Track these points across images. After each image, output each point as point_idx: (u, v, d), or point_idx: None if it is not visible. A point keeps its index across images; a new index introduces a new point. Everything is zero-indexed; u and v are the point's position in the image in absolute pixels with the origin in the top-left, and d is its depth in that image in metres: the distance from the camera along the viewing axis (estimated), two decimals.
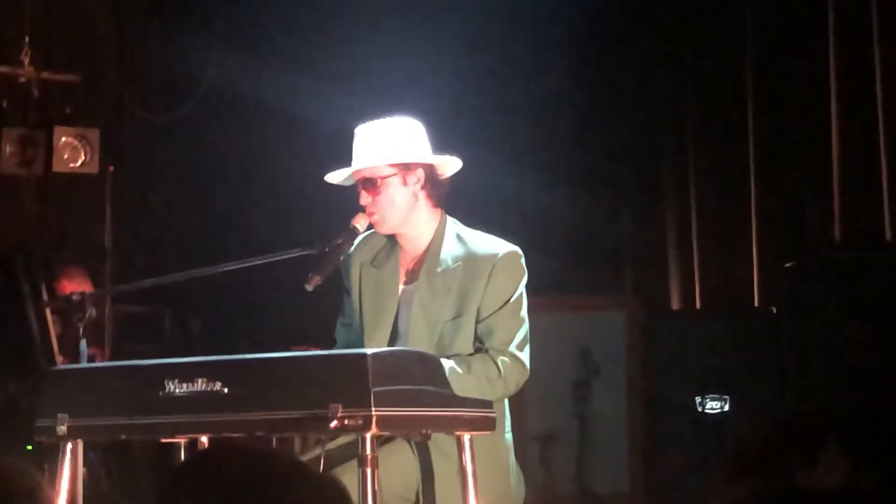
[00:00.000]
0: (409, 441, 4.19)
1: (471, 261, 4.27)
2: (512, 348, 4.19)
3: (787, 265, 6.20)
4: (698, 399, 6.29)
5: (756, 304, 7.16)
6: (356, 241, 4.42)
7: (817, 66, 6.99)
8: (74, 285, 7.87)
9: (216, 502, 1.73)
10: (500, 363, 4.15)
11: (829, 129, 6.91)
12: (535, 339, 4.28)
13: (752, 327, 6.51)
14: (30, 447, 7.16)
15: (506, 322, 4.22)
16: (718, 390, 6.27)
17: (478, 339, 4.23)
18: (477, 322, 4.23)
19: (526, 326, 4.26)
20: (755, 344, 6.38)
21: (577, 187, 7.82)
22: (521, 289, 4.28)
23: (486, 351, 4.19)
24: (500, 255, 4.26)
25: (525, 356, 4.21)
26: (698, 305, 7.50)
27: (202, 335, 8.43)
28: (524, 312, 4.27)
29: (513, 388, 4.22)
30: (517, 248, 4.32)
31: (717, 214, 7.57)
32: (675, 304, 7.64)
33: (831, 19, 6.91)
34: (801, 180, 7.17)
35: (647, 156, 7.92)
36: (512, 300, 4.24)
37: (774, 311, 6.36)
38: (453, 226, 4.37)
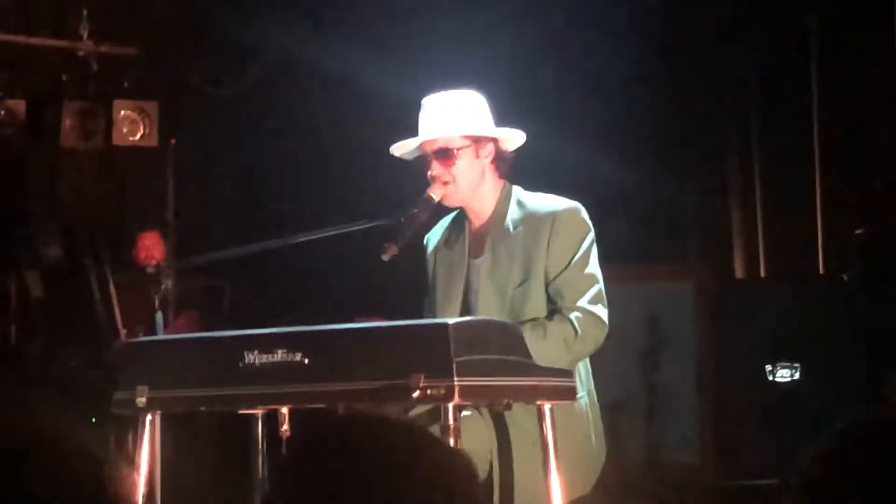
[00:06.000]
0: (479, 412, 4.17)
1: (531, 223, 4.23)
2: (584, 304, 4.09)
3: (858, 232, 6.14)
4: (769, 367, 6.24)
5: (821, 272, 7.11)
6: (435, 230, 4.43)
7: (883, 30, 6.92)
8: (148, 251, 7.90)
9: (344, 473, 1.71)
10: (575, 321, 4.07)
11: (895, 95, 6.84)
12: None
13: (822, 295, 6.45)
14: (94, 419, 7.21)
15: (574, 279, 4.13)
16: (789, 358, 6.21)
17: (550, 301, 4.17)
18: (547, 285, 4.18)
19: (599, 283, 4.15)
20: (825, 311, 6.32)
21: (641, 156, 7.77)
22: (587, 244, 4.18)
23: (560, 311, 4.12)
24: (558, 214, 4.20)
25: (601, 311, 4.10)
26: (763, 273, 7.45)
27: (264, 307, 8.44)
28: (592, 269, 4.17)
29: (592, 346, 4.11)
30: (576, 204, 4.22)
31: (780, 182, 7.52)
32: (739, 273, 7.60)
33: None
34: (865, 147, 7.10)
35: (711, 124, 7.86)
36: (577, 257, 4.15)
37: (845, 278, 6.30)
38: (515, 193, 4.34)
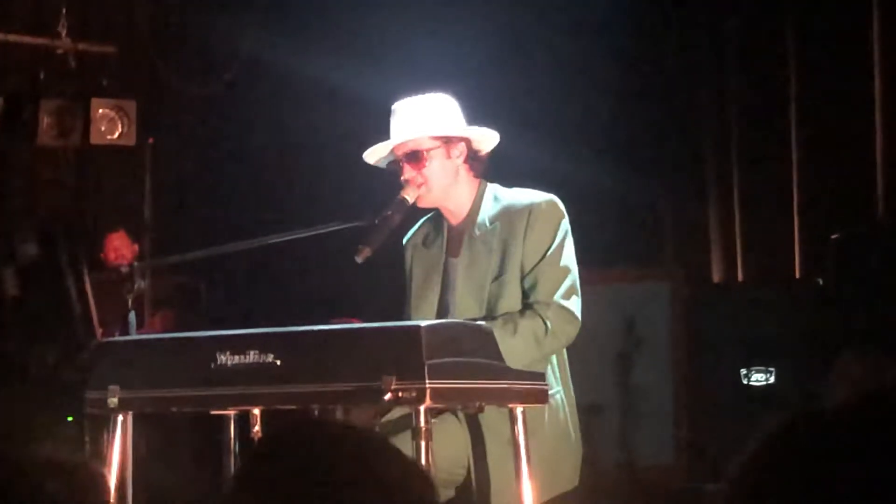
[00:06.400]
0: (456, 416, 4.17)
1: (506, 217, 4.24)
2: (557, 298, 4.11)
3: (834, 237, 6.15)
4: (743, 371, 6.26)
5: (797, 276, 7.12)
6: (412, 228, 4.42)
7: (860, 35, 6.93)
8: (117, 251, 7.90)
9: (298, 478, 1.71)
10: (546, 318, 4.07)
11: (873, 100, 6.86)
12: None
13: (798, 299, 6.46)
14: (70, 418, 7.19)
15: (549, 272, 4.15)
16: (764, 362, 6.23)
17: (524, 294, 4.18)
18: (522, 278, 4.19)
19: (573, 275, 4.17)
20: (801, 316, 6.33)
21: (618, 159, 7.77)
22: (562, 235, 4.19)
23: (532, 306, 4.13)
24: (534, 206, 4.21)
25: (573, 305, 4.12)
26: (740, 277, 7.46)
27: (237, 307, 8.44)
28: (567, 261, 4.19)
29: (563, 341, 4.14)
30: (553, 197, 4.25)
31: (758, 186, 7.52)
32: (717, 276, 7.61)
33: None
34: (843, 151, 7.11)
35: (688, 126, 7.86)
36: (552, 249, 4.17)
37: (820, 282, 6.31)
38: (491, 190, 4.34)
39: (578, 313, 4.14)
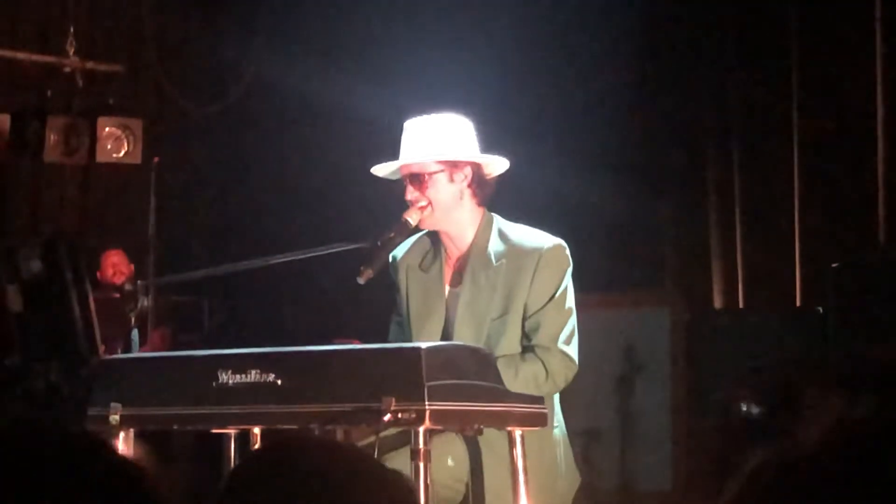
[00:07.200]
0: (456, 433, 4.19)
1: (514, 257, 4.25)
2: (559, 344, 4.14)
3: (834, 265, 6.17)
4: (742, 398, 6.27)
5: (798, 304, 7.13)
6: (405, 244, 4.42)
7: (863, 63, 6.96)
8: (116, 268, 7.92)
9: (283, 493, 1.73)
10: (547, 362, 4.12)
11: (875, 127, 6.89)
12: (580, 335, 4.25)
13: (798, 327, 6.48)
14: None
15: (552, 316, 4.18)
16: (763, 390, 6.24)
17: (525, 335, 4.21)
18: (524, 319, 4.22)
19: (573, 319, 4.21)
20: (801, 344, 6.35)
21: (620, 184, 7.79)
22: (567, 281, 4.24)
23: (533, 349, 4.17)
24: (544, 250, 4.23)
25: (572, 350, 4.17)
26: (741, 304, 7.47)
27: (241, 326, 8.45)
28: (570, 304, 4.23)
29: (561, 384, 4.19)
30: (561, 241, 4.27)
31: (760, 213, 7.54)
32: (717, 303, 7.62)
33: (878, 15, 6.89)
34: (845, 179, 7.13)
35: (690, 153, 7.89)
36: (558, 294, 4.19)
37: (820, 310, 6.33)
38: (496, 223, 4.35)
39: (577, 358, 4.19)
